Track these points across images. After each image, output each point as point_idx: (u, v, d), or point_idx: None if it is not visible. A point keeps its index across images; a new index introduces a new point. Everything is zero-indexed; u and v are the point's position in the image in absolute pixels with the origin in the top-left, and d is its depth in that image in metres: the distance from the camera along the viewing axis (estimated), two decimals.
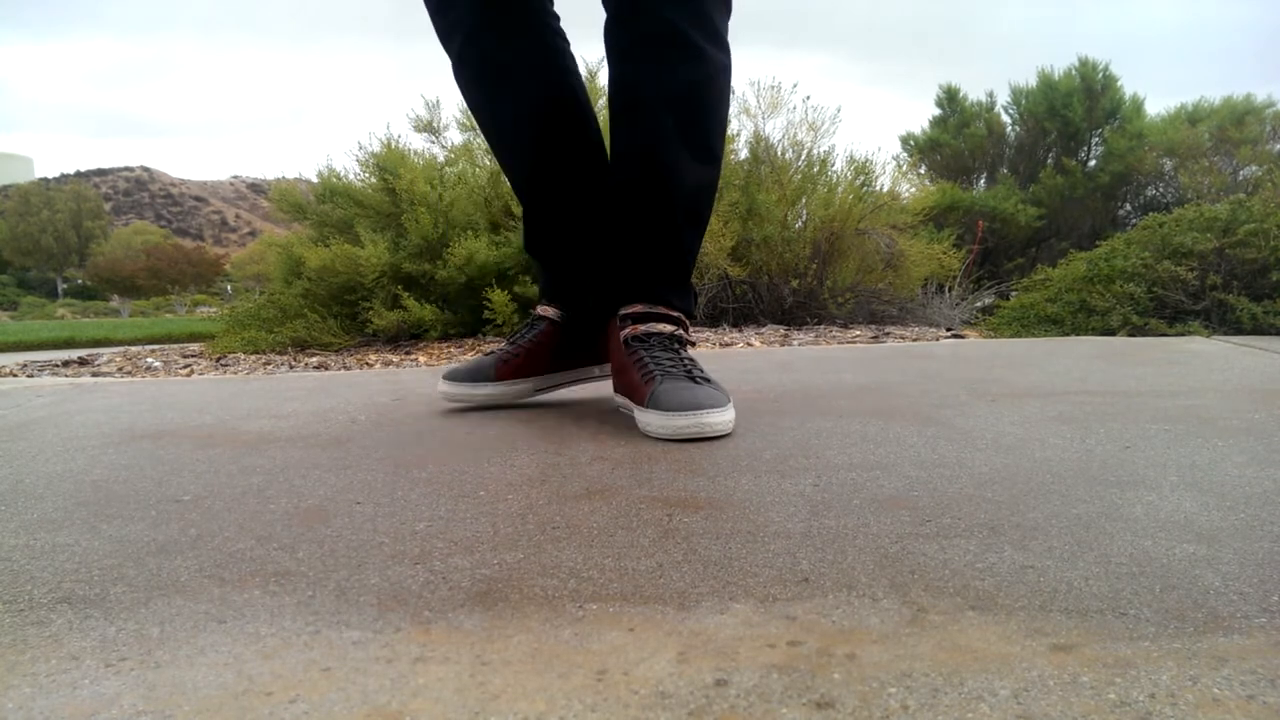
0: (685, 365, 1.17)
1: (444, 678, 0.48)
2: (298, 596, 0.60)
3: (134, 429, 1.27)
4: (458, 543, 0.70)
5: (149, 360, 3.30)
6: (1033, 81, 8.68)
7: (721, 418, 1.07)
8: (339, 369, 2.69)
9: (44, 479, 0.97)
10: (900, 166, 4.73)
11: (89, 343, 7.57)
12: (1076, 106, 8.25)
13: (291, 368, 2.81)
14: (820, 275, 3.78)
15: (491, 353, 1.39)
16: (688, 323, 1.25)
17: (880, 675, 0.46)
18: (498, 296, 3.16)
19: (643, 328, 1.20)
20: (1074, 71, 8.47)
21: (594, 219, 1.30)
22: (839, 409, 1.24)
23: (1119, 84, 8.39)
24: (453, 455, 1.02)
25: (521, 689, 0.46)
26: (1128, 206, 8.32)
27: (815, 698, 0.44)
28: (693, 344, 1.28)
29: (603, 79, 3.88)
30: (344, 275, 3.35)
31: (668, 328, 1.21)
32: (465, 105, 1.30)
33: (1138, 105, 8.37)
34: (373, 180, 3.69)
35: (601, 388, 1.52)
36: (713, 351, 2.35)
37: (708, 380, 1.14)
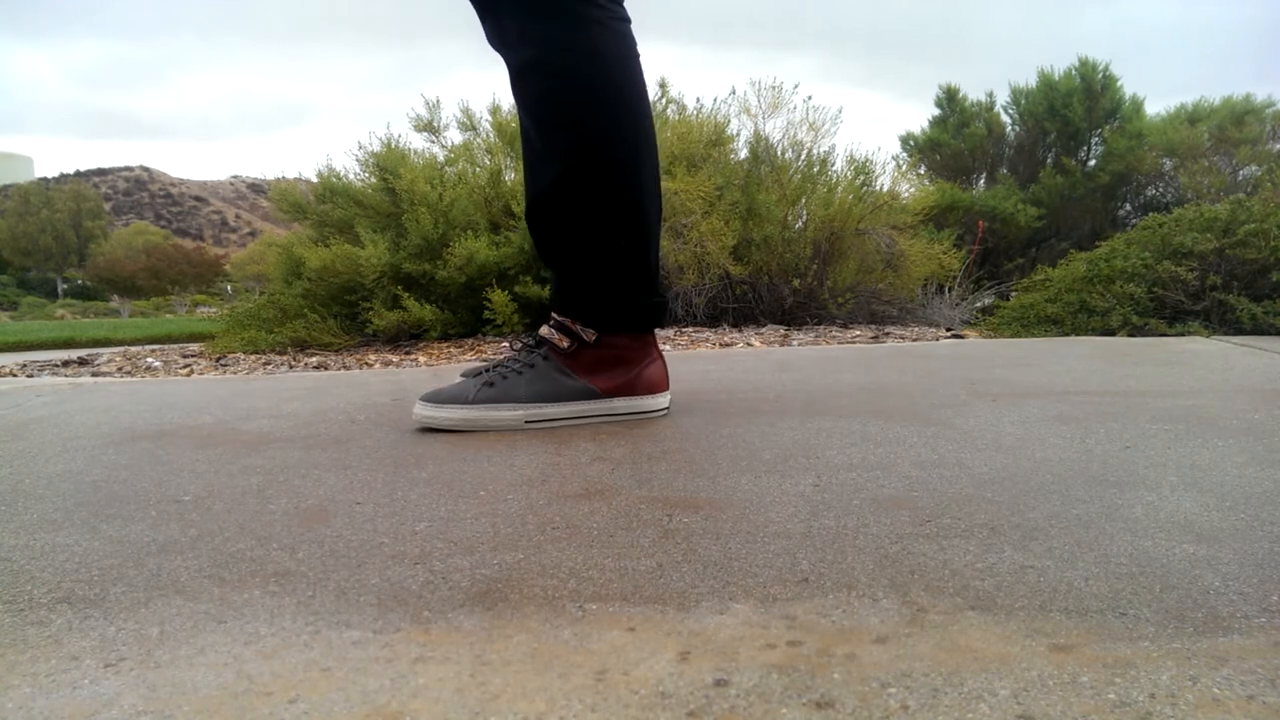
0: (495, 366, 1.23)
1: (444, 678, 0.48)
2: (298, 596, 0.60)
3: (134, 429, 1.27)
4: (458, 543, 0.70)
5: (149, 360, 3.30)
6: (1033, 81, 8.67)
7: (421, 410, 1.17)
8: (339, 369, 2.69)
9: (44, 479, 0.97)
10: (900, 166, 4.73)
11: (89, 343, 7.57)
12: (1076, 106, 8.24)
13: (291, 368, 2.81)
14: (820, 275, 3.78)
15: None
16: (565, 320, 1.21)
17: (880, 675, 0.46)
18: (498, 296, 3.16)
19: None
20: (1074, 71, 8.47)
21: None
22: (839, 409, 1.24)
23: (1119, 84, 8.39)
24: (453, 455, 1.02)
25: (521, 689, 0.46)
26: (1128, 206, 8.32)
27: (815, 698, 0.44)
28: (563, 343, 1.21)
29: None
30: (344, 275, 3.35)
31: (546, 331, 1.23)
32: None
33: (1137, 105, 8.36)
34: (373, 180, 3.69)
35: None
36: (713, 351, 2.35)
37: (490, 384, 1.18)
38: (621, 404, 1.20)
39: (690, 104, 4.29)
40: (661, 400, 1.23)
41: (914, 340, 2.87)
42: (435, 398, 1.18)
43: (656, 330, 1.24)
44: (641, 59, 1.17)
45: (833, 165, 4.00)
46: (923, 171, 8.78)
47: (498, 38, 1.16)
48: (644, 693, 0.45)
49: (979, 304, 4.62)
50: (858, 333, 3.24)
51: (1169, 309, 2.71)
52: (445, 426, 1.16)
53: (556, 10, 1.11)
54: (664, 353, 1.33)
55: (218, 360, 3.14)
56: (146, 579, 0.64)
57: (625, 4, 1.17)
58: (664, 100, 4.30)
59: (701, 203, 3.51)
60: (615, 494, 0.83)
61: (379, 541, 0.71)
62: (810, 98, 3.99)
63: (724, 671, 0.47)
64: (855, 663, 0.48)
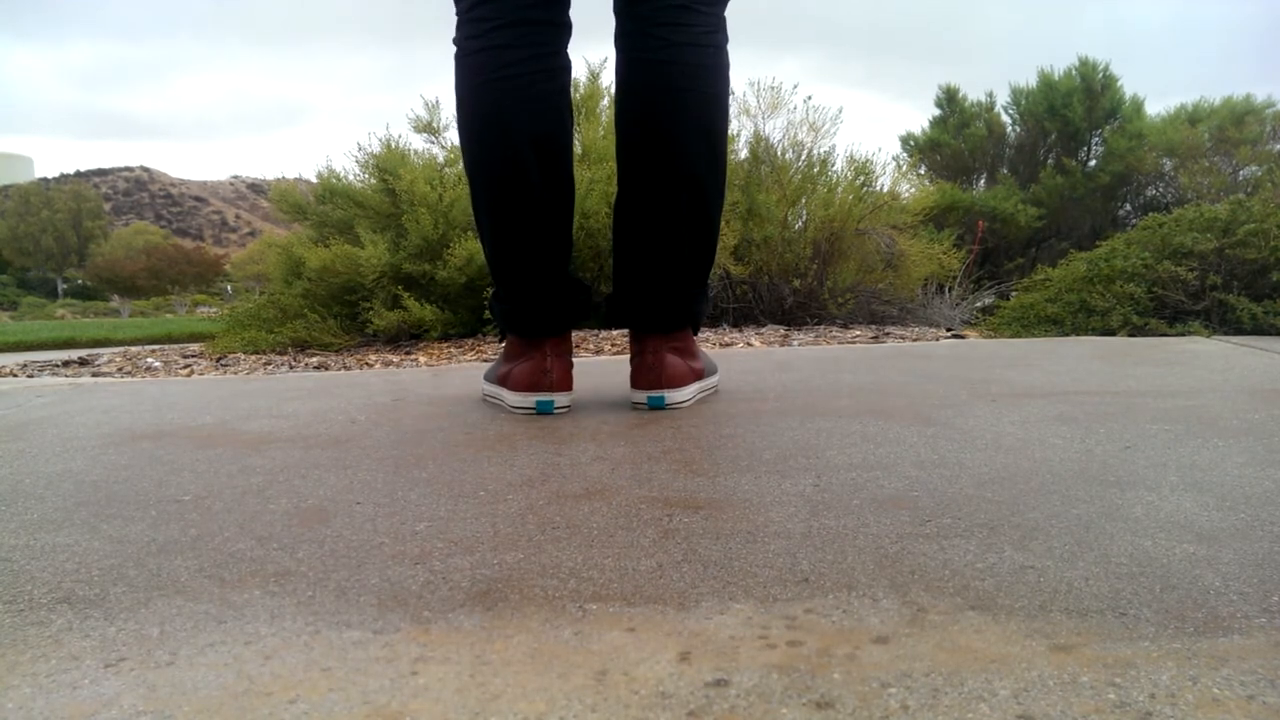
0: None
1: (444, 678, 0.48)
2: (298, 596, 0.60)
3: (134, 429, 1.27)
4: (458, 543, 0.70)
5: (149, 360, 3.30)
6: (1033, 81, 8.67)
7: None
8: (339, 369, 2.69)
9: (44, 479, 0.97)
10: (900, 166, 4.72)
11: (89, 343, 7.57)
12: (1076, 106, 8.24)
13: (292, 368, 2.81)
14: (820, 275, 3.78)
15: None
16: None
17: (880, 675, 0.46)
18: None
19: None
20: (1074, 71, 8.46)
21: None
22: (839, 409, 1.24)
23: (1119, 84, 8.39)
24: (453, 455, 1.02)
25: (521, 689, 0.46)
26: (1128, 206, 8.32)
27: (815, 698, 0.44)
28: None
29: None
30: (344, 275, 3.35)
31: None
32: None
33: (1138, 105, 8.36)
34: (372, 181, 3.68)
35: (601, 388, 1.52)
36: (713, 351, 2.35)
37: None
38: (497, 390, 1.36)
39: None
40: (514, 399, 1.30)
41: (914, 340, 2.87)
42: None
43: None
44: (489, 82, 1.20)
45: (833, 165, 4.00)
46: (923, 172, 8.78)
47: None
48: (644, 693, 0.45)
49: (979, 304, 4.62)
50: (858, 333, 3.24)
51: (1169, 309, 2.71)
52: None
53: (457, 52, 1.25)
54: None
55: (218, 360, 3.14)
56: (146, 579, 0.64)
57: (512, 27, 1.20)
58: None
59: None
60: (615, 494, 0.83)
61: (379, 541, 0.71)
62: (810, 98, 3.99)
63: (724, 671, 0.47)
64: (855, 663, 0.48)
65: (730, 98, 1.30)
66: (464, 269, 3.27)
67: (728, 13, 1.29)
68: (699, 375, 1.35)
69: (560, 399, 1.29)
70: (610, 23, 1.27)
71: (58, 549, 0.72)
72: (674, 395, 1.29)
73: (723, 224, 3.51)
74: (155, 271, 42.73)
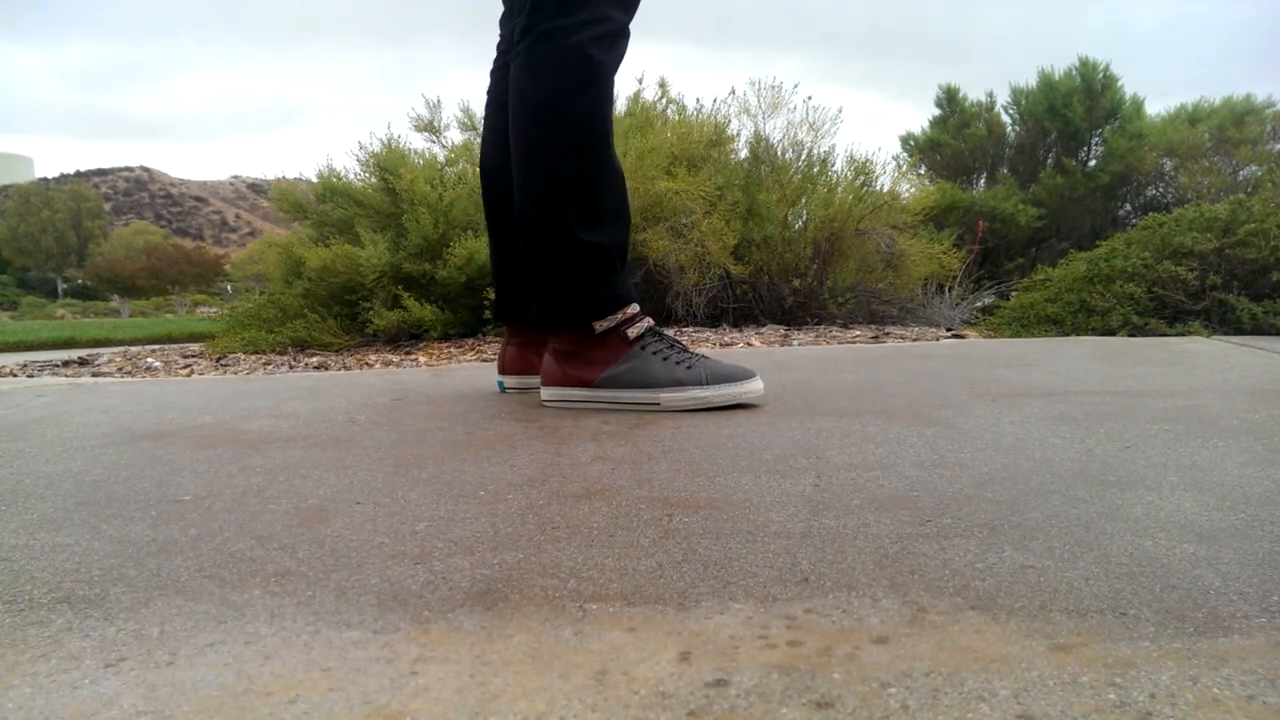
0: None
1: (444, 678, 0.48)
2: (298, 596, 0.60)
3: (134, 429, 1.27)
4: (458, 543, 0.70)
5: (149, 360, 3.30)
6: (1033, 81, 8.66)
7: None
8: (339, 369, 2.69)
9: (44, 479, 0.97)
10: (900, 166, 4.72)
11: (89, 343, 7.57)
12: (1076, 106, 8.24)
13: (291, 368, 2.81)
14: (820, 275, 3.78)
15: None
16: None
17: (880, 675, 0.46)
18: None
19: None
20: (1074, 71, 8.46)
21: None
22: (839, 409, 1.24)
23: (1119, 84, 8.38)
24: (453, 455, 1.02)
25: (521, 689, 0.46)
26: (1128, 206, 8.31)
27: (815, 698, 0.44)
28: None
29: None
30: (344, 275, 3.35)
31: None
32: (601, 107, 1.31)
33: (1138, 105, 8.35)
34: (373, 180, 3.68)
35: None
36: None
37: None
38: None
39: (690, 104, 4.29)
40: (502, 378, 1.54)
41: (914, 340, 2.87)
42: None
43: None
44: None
45: (833, 165, 4.00)
46: (923, 171, 8.77)
47: None
48: (644, 693, 0.45)
49: (979, 304, 4.62)
50: (858, 333, 3.24)
51: (1169, 309, 2.71)
52: None
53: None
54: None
55: (218, 360, 3.14)
56: (146, 579, 0.64)
57: None
58: (664, 100, 4.30)
59: (702, 203, 3.51)
60: (615, 494, 0.83)
61: (379, 541, 0.71)
62: (810, 98, 3.99)
63: (724, 671, 0.47)
64: (855, 663, 0.48)
65: (559, 86, 1.25)
66: (464, 268, 3.27)
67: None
68: (583, 383, 1.30)
69: (507, 380, 1.51)
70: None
71: (58, 549, 0.72)
72: (515, 381, 1.48)
73: (722, 224, 3.51)
74: (155, 271, 42.73)
